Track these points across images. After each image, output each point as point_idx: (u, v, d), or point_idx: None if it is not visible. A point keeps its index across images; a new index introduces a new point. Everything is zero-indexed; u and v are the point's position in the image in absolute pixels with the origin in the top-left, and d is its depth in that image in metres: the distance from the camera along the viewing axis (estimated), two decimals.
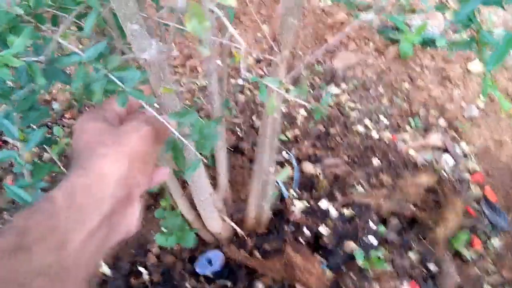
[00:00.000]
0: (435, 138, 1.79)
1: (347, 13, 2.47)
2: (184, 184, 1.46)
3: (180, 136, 0.67)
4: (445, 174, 1.65)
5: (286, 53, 1.00)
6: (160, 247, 1.41)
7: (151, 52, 0.71)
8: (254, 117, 1.95)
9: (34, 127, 1.85)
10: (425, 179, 1.58)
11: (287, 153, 1.76)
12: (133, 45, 0.70)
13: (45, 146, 1.78)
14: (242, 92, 2.13)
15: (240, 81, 2.22)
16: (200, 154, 0.72)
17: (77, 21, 0.85)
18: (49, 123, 1.90)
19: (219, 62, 1.14)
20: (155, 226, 1.47)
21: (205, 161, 0.80)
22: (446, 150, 1.78)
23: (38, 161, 1.72)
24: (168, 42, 0.79)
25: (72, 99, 1.99)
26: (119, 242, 0.49)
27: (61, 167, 1.21)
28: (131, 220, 0.50)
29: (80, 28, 0.90)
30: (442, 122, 1.90)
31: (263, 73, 2.25)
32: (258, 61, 2.31)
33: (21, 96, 0.79)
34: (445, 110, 1.91)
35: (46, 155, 1.75)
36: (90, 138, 0.50)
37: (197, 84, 2.09)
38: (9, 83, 0.82)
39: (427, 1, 2.42)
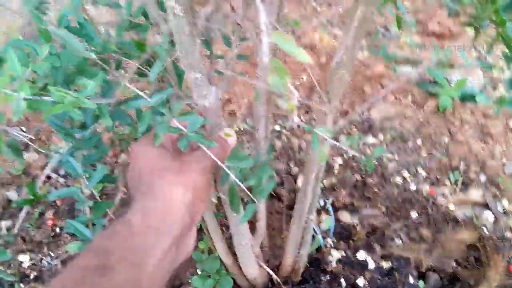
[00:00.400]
0: (475, 194, 1.77)
1: (385, 66, 2.51)
2: (222, 227, 1.47)
3: (237, 181, 0.69)
4: (486, 231, 1.62)
5: (335, 104, 1.03)
6: None
7: (211, 99, 0.74)
8: (291, 164, 1.97)
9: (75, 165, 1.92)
10: (466, 235, 1.55)
11: (324, 201, 1.76)
12: (194, 92, 0.73)
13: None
14: (279, 138, 2.16)
15: (277, 127, 2.26)
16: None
17: (140, 67, 0.90)
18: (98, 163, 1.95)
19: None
20: (191, 268, 1.48)
21: (258, 205, 0.82)
22: (487, 207, 1.75)
23: (98, 199, 1.78)
24: (222, 90, 0.82)
25: (116, 139, 2.06)
26: (181, 263, 0.54)
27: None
28: (191, 242, 0.55)
29: (140, 74, 0.96)
30: (482, 178, 1.88)
31: (300, 121, 2.28)
32: (297, 108, 2.35)
33: (86, 136, 0.83)
34: (486, 166, 1.89)
35: (86, 191, 1.80)
36: (152, 163, 0.54)
37: (238, 128, 2.13)
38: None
39: (466, 56, 2.44)
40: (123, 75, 1.01)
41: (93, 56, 0.84)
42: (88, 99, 0.67)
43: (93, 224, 0.77)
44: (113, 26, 0.94)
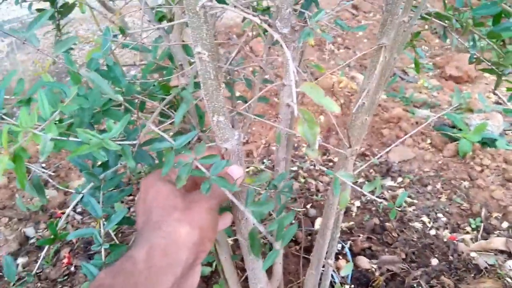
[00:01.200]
0: (498, 242, 1.72)
1: (403, 109, 2.52)
2: (237, 270, 1.45)
3: (260, 226, 0.68)
4: (510, 280, 1.56)
5: (356, 148, 1.02)
6: None
7: (233, 142, 0.74)
8: (308, 205, 1.95)
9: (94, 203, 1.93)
10: (489, 285, 1.50)
11: (342, 245, 1.73)
12: (217, 135, 0.74)
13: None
14: (296, 178, 2.15)
15: (294, 168, 2.25)
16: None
17: (163, 108, 0.91)
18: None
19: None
20: None
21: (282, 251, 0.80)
22: (510, 255, 1.69)
23: (115, 240, 1.77)
24: (243, 132, 0.83)
25: (135, 178, 2.07)
26: None
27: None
28: (194, 282, 0.53)
29: (162, 115, 0.97)
30: (505, 224, 1.83)
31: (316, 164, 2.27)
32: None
33: (109, 176, 0.83)
34: (509, 213, 1.85)
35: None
36: (162, 200, 0.54)
37: (256, 168, 2.13)
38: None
39: (485, 101, 2.43)
40: (147, 117, 1.02)
41: (120, 98, 0.85)
42: (113, 140, 0.68)
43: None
44: (136, 67, 0.96)
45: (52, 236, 0.74)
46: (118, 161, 0.88)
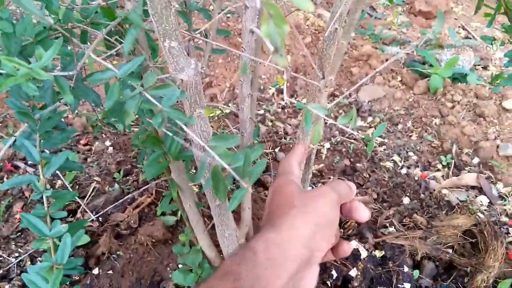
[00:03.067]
0: (469, 178, 1.69)
1: (372, 46, 2.42)
2: (204, 218, 1.37)
3: (223, 163, 0.59)
4: (482, 216, 1.54)
5: (331, 78, 0.93)
6: (177, 286, 1.30)
7: (189, 72, 0.63)
8: (277, 149, 1.87)
9: (46, 151, 1.78)
10: (461, 221, 1.47)
11: (312, 187, 1.67)
12: (170, 64, 0.63)
13: (59, 174, 1.70)
14: (263, 122, 2.06)
15: (261, 111, 2.15)
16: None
17: (108, 37, 0.78)
18: (63, 149, 1.82)
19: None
20: (172, 262, 1.37)
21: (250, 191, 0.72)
22: (481, 190, 1.68)
23: (59, 189, 1.64)
24: (203, 64, 0.71)
25: (90, 125, 1.93)
26: None
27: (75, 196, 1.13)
28: (310, 283, 0.52)
29: (109, 47, 0.84)
30: (476, 160, 1.80)
31: (285, 104, 2.18)
32: (281, 91, 2.24)
33: (45, 116, 0.71)
34: (480, 148, 1.82)
35: (59, 182, 1.67)
36: (283, 199, 0.55)
37: (221, 111, 2.02)
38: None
39: (455, 36, 2.36)
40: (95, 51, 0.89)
41: (51, 21, 0.72)
42: (46, 71, 0.57)
43: (52, 219, 0.65)
44: None
45: None
46: (57, 99, 0.76)
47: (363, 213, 0.56)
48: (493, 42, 1.19)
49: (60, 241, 0.63)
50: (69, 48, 0.77)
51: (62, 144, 0.73)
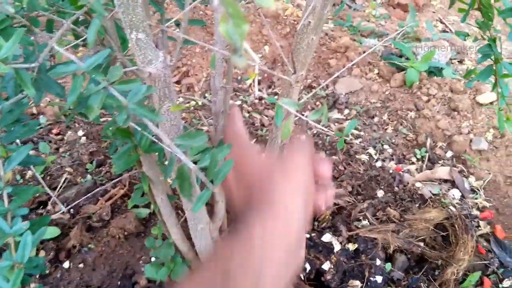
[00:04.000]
0: (442, 171, 1.71)
1: (350, 38, 2.42)
2: (177, 211, 1.36)
3: (188, 162, 0.57)
4: (453, 209, 1.56)
5: (302, 73, 0.91)
6: (149, 280, 1.29)
7: (158, 65, 0.62)
8: (253, 141, 1.86)
9: (18, 142, 1.73)
10: (433, 215, 1.49)
11: None
12: (137, 57, 0.60)
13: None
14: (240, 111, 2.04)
15: (238, 102, 2.14)
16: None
17: (74, 27, 0.76)
18: (35, 139, 1.78)
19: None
20: (144, 255, 1.36)
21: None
22: (454, 184, 1.70)
23: (21, 183, 1.60)
24: (174, 56, 0.70)
25: (61, 114, 1.88)
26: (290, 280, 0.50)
27: (46, 187, 1.10)
28: (301, 255, 0.51)
29: (76, 37, 0.81)
30: (449, 154, 1.83)
31: (262, 96, 2.16)
32: (258, 82, 2.23)
33: (6, 108, 0.69)
34: (453, 142, 1.84)
35: (29, 173, 1.63)
36: (256, 172, 0.54)
37: (196, 103, 1.99)
38: None
39: (433, 29, 2.37)
40: (61, 41, 0.87)
41: (11, 10, 0.69)
42: (5, 63, 0.54)
43: (13, 217, 0.63)
44: None
45: None
46: (19, 91, 0.74)
47: (327, 168, 0.56)
48: (466, 37, 1.19)
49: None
50: (31, 38, 0.74)
51: (24, 138, 0.71)
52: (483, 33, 1.10)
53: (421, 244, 1.44)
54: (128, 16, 0.54)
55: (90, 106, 0.57)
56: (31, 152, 1.70)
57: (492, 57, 1.11)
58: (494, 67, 1.14)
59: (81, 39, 0.77)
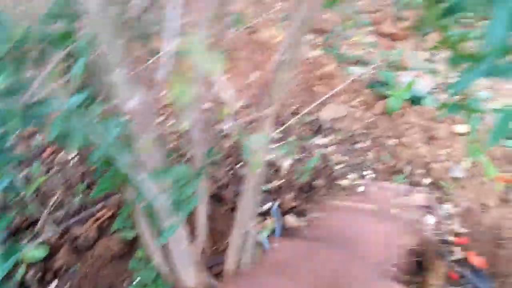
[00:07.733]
0: (419, 198, 1.77)
1: (336, 66, 2.50)
2: (159, 234, 1.41)
3: (156, 200, 0.63)
4: (427, 235, 1.62)
5: (274, 108, 0.98)
6: None
7: (136, 101, 0.68)
8: (238, 165, 1.92)
9: None
10: (407, 239, 1.55)
11: (271, 203, 1.72)
12: (116, 95, 0.67)
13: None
14: (227, 136, 2.11)
15: (227, 125, 2.20)
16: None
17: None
18: (30, 158, 1.84)
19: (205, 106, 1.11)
20: (128, 277, 1.40)
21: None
22: (430, 210, 1.76)
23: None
24: (155, 91, 0.76)
25: None
26: None
27: (35, 208, 1.15)
28: None
29: (67, 69, 0.88)
30: (427, 180, 1.89)
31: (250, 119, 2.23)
32: (246, 106, 2.30)
33: None
34: (431, 169, 1.90)
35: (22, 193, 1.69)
36: None
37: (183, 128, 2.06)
38: None
39: (415, 59, 2.45)
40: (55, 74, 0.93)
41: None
42: None
43: None
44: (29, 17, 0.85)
45: None
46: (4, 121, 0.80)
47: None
48: (436, 74, 1.26)
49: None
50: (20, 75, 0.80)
51: (5, 164, 0.76)
52: (452, 69, 1.17)
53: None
54: (109, 57, 0.61)
55: (72, 142, 0.63)
56: (24, 172, 1.76)
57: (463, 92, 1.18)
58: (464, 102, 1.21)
59: (70, 73, 0.83)
